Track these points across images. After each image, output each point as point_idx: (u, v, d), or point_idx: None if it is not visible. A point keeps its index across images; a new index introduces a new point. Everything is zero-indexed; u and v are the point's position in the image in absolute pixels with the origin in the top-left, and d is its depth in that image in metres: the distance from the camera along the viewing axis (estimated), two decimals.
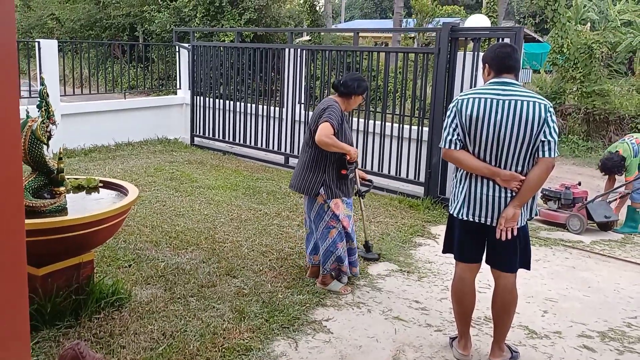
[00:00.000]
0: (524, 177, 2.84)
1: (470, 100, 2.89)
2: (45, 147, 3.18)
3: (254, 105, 8.55)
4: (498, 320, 3.09)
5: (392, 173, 6.87)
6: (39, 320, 3.06)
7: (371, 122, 7.06)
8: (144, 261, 4.23)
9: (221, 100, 9.01)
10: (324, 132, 3.65)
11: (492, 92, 2.87)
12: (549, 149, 2.79)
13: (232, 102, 8.85)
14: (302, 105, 7.95)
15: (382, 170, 6.95)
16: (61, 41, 12.04)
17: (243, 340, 3.18)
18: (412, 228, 5.50)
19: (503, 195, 2.89)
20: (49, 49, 8.06)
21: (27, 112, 3.19)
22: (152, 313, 3.42)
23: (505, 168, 2.87)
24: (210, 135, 9.28)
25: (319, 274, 4.00)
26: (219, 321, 3.37)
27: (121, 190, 3.61)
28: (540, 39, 24.89)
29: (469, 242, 3.06)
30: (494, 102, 2.83)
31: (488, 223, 2.93)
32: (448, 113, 2.99)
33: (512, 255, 2.98)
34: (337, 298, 3.85)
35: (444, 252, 3.27)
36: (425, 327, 3.54)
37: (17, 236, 1.39)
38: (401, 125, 6.80)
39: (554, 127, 2.79)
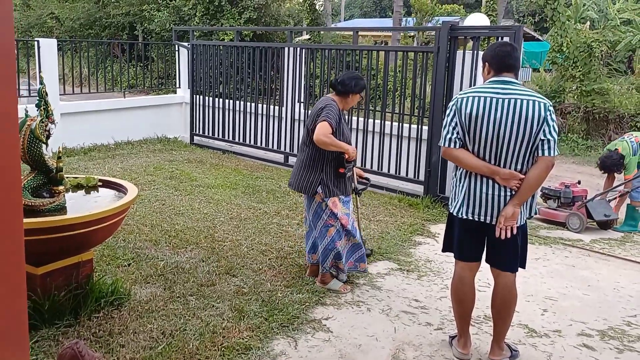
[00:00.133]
0: (523, 176, 2.84)
1: (470, 98, 2.88)
2: (44, 146, 3.18)
3: (253, 104, 8.55)
4: (498, 319, 3.09)
5: (392, 172, 6.87)
6: (38, 319, 3.06)
7: (371, 120, 7.06)
8: (143, 260, 4.23)
9: (221, 99, 9.01)
10: (322, 131, 3.65)
11: (492, 90, 2.86)
12: (549, 148, 2.79)
13: (231, 101, 8.85)
14: (302, 104, 7.95)
15: (381, 169, 6.95)
16: (61, 40, 12.05)
17: (242, 339, 3.17)
18: (412, 227, 5.50)
19: (503, 193, 2.89)
20: (48, 48, 8.05)
21: (26, 111, 3.19)
22: (151, 312, 3.42)
23: (504, 167, 2.87)
24: (210, 134, 9.28)
25: (319, 272, 4.00)
26: (219, 320, 3.36)
27: (120, 189, 3.61)
28: (539, 37, 24.87)
29: (468, 240, 3.06)
30: (494, 100, 2.83)
31: (488, 221, 2.93)
32: (448, 111, 2.99)
33: (512, 254, 2.98)
34: (337, 297, 3.85)
35: (443, 250, 3.27)
36: (425, 326, 3.53)
37: (15, 235, 1.38)
38: (401, 123, 6.80)
39: (553, 125, 2.79)
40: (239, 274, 4.09)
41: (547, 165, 2.82)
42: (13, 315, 1.40)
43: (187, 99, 9.72)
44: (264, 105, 8.43)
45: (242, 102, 8.71)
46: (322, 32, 20.03)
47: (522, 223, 2.95)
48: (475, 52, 6.00)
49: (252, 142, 8.61)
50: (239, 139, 8.81)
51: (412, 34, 22.04)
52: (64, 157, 5.96)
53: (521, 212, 2.91)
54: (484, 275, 3.69)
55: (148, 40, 20.27)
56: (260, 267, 4.24)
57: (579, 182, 6.56)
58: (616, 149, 6.41)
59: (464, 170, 2.98)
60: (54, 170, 3.23)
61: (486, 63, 2.98)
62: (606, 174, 6.74)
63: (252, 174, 7.47)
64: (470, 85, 5.96)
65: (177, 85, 10.22)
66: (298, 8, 22.17)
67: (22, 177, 3.08)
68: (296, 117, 7.93)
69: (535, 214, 3.14)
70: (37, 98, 3.19)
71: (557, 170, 10.00)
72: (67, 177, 3.45)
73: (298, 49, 7.89)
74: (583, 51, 13.71)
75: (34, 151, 3.13)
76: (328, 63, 7.46)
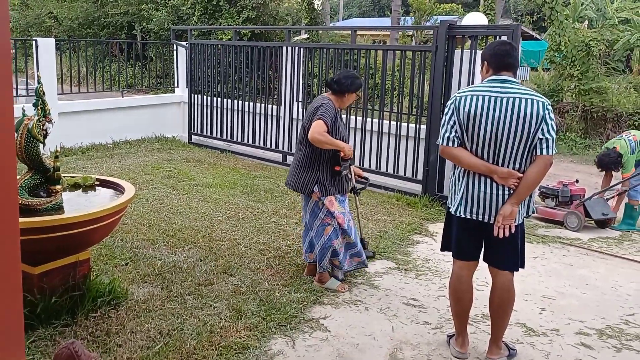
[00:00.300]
0: (521, 175, 2.84)
1: (469, 97, 2.88)
2: (41, 145, 3.17)
3: (251, 104, 8.54)
4: (496, 318, 3.08)
5: (390, 171, 6.87)
6: (34, 319, 3.05)
7: (369, 119, 7.06)
8: (140, 259, 4.22)
9: (219, 99, 9.00)
10: (317, 129, 3.65)
11: (491, 89, 2.86)
12: (547, 147, 2.79)
13: (230, 100, 8.84)
14: (300, 104, 7.94)
15: (379, 168, 6.95)
16: (59, 39, 12.01)
17: (240, 338, 3.17)
18: (410, 226, 5.50)
19: (501, 192, 2.88)
20: (46, 47, 8.04)
21: (23, 111, 3.18)
22: (148, 311, 3.41)
23: (502, 165, 2.86)
24: (208, 134, 9.27)
25: (316, 272, 3.99)
26: (216, 319, 3.36)
27: (118, 188, 3.60)
28: (537, 36, 24.89)
29: (466, 239, 3.06)
30: (492, 99, 2.83)
31: (486, 220, 2.93)
32: (446, 110, 2.98)
33: (510, 253, 2.98)
34: (335, 296, 3.85)
35: (441, 249, 3.27)
36: (422, 325, 3.53)
37: (11, 235, 1.38)
38: (399, 123, 6.80)
39: (551, 124, 2.79)
40: (237, 273, 4.09)
41: (546, 163, 2.82)
42: (9, 314, 1.40)
43: (185, 98, 9.71)
44: (262, 105, 8.43)
45: (240, 102, 8.71)
46: (320, 32, 20.03)
47: (520, 222, 2.95)
48: (473, 51, 6.00)
49: (250, 142, 8.60)
50: (237, 139, 8.80)
51: (410, 33, 22.04)
52: (62, 157, 5.96)
53: (519, 210, 2.91)
54: (482, 274, 3.68)
55: (146, 39, 20.25)
56: (258, 266, 4.24)
57: (577, 181, 6.57)
58: (614, 147, 6.41)
59: (463, 169, 2.98)
60: (52, 170, 3.22)
61: (485, 62, 2.98)
62: (604, 173, 6.75)
63: (250, 173, 7.46)
64: (468, 84, 5.96)
65: (176, 85, 10.21)
66: (296, 7, 22.17)
67: (19, 177, 3.07)
68: (294, 116, 7.92)
69: (533, 212, 3.14)
70: (34, 97, 3.18)
71: (555, 169, 10.01)
72: (64, 177, 3.44)
73: (296, 48, 7.88)
74: (581, 50, 13.72)
75: (31, 150, 3.12)
76: (326, 62, 7.46)
